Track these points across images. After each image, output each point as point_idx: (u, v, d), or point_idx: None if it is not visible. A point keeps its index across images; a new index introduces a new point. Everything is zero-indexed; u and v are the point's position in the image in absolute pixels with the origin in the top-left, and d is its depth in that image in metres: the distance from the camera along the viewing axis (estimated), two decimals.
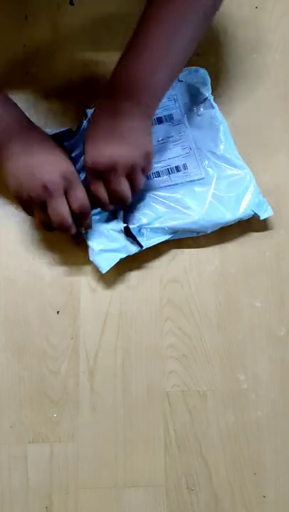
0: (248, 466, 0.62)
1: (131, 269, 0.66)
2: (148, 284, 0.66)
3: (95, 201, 0.61)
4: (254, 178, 0.66)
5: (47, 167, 0.57)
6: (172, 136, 0.68)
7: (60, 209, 0.57)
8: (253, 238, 0.68)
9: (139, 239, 0.64)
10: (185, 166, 0.67)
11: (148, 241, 0.64)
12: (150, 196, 0.66)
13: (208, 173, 0.67)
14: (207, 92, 0.69)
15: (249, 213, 0.65)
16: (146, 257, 0.66)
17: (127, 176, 0.59)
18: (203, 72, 0.70)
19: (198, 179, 0.67)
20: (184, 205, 0.65)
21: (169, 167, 0.67)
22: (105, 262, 0.63)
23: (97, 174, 0.59)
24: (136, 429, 0.62)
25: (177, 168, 0.67)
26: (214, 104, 0.69)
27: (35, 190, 0.56)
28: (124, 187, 0.59)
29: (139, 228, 0.64)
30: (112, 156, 0.57)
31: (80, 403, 0.63)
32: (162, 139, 0.68)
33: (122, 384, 0.63)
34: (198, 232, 0.66)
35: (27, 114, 0.67)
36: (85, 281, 0.66)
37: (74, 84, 0.71)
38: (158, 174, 0.67)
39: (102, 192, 0.60)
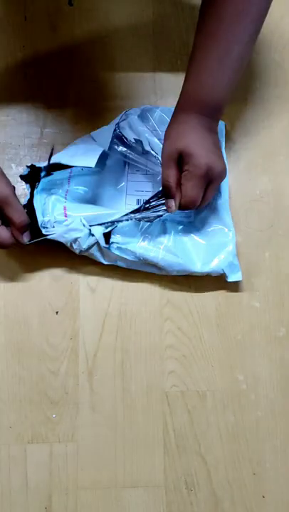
0: (248, 466, 0.62)
1: (130, 270, 0.66)
2: (147, 285, 0.66)
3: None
4: (235, 239, 0.65)
5: None
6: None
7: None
8: (253, 239, 0.68)
9: (110, 247, 0.63)
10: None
11: (114, 251, 0.63)
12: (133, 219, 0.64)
13: (196, 219, 0.66)
14: (221, 140, 0.68)
15: (218, 271, 0.64)
16: None
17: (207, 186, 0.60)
18: (221, 124, 0.69)
19: (187, 222, 0.66)
20: (164, 241, 0.64)
21: (164, 200, 0.64)
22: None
23: (205, 179, 0.59)
24: (135, 430, 0.62)
25: None
26: (225, 156, 0.67)
27: None
28: (201, 195, 0.60)
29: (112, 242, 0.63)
30: (210, 161, 0.58)
31: (80, 403, 0.63)
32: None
33: (121, 384, 0.63)
34: (160, 270, 0.65)
35: (26, 114, 0.67)
36: (84, 282, 0.66)
37: (73, 85, 0.71)
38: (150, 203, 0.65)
39: (196, 200, 0.60)
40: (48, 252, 0.66)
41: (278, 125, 0.71)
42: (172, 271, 0.64)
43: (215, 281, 0.66)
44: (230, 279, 0.64)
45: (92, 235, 0.62)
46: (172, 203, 0.60)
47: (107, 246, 0.62)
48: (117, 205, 0.67)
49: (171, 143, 0.60)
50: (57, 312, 0.65)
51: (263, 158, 0.70)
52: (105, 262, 0.64)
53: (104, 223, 0.62)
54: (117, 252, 0.63)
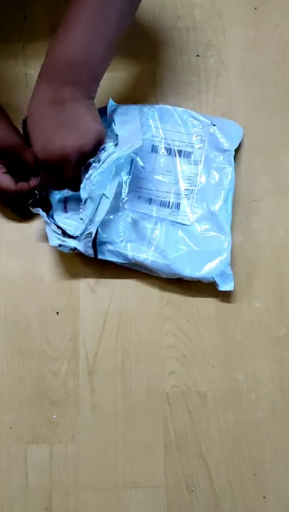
0: (248, 467, 0.62)
1: (130, 270, 0.66)
2: (148, 285, 0.66)
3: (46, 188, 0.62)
4: (230, 249, 0.64)
5: None
6: (182, 173, 0.66)
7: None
8: (253, 239, 0.68)
9: (98, 254, 0.63)
10: (177, 206, 0.65)
11: (103, 256, 0.63)
12: (127, 218, 0.64)
13: (194, 224, 0.65)
14: (232, 147, 0.67)
15: (209, 278, 0.63)
16: None
17: (78, 163, 0.56)
18: (238, 128, 0.69)
19: (184, 224, 0.65)
20: (155, 242, 0.64)
21: (162, 199, 0.65)
22: (55, 240, 0.62)
23: (49, 167, 0.56)
24: (136, 430, 0.62)
25: (169, 204, 0.65)
26: (233, 162, 0.67)
27: None
28: (75, 173, 0.57)
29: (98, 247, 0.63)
30: (64, 146, 0.54)
31: (80, 404, 0.63)
32: (169, 171, 0.66)
33: (122, 384, 0.63)
34: (151, 271, 0.64)
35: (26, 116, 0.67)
36: (84, 282, 0.66)
37: None
38: (149, 201, 0.65)
39: (55, 183, 0.60)
40: (48, 253, 0.66)
41: (278, 125, 0.71)
42: (162, 273, 0.64)
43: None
44: (222, 288, 0.63)
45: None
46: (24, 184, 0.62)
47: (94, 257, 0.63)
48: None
49: (46, 147, 0.55)
50: (57, 312, 0.65)
51: (263, 158, 0.70)
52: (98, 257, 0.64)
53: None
54: (108, 257, 0.63)
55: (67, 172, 0.57)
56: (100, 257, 0.63)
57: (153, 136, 0.67)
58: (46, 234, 0.64)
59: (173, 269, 0.63)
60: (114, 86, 0.72)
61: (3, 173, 0.62)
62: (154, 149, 0.67)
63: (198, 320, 0.65)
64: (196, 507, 0.61)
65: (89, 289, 0.65)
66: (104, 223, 0.63)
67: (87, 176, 0.58)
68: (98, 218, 0.60)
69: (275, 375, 0.64)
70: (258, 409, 0.63)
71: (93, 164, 0.57)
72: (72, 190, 0.62)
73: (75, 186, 0.59)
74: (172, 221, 0.65)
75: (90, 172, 0.58)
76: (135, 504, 0.61)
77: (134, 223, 0.64)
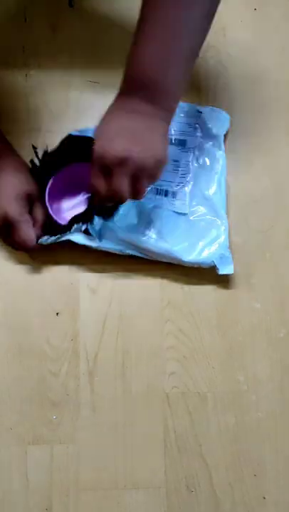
0: (249, 468, 0.62)
1: (130, 271, 0.66)
2: (148, 286, 0.66)
3: (92, 195, 0.61)
4: (228, 232, 0.65)
5: (7, 191, 0.60)
6: (177, 162, 0.67)
7: (25, 235, 0.61)
8: (253, 240, 0.68)
9: (99, 242, 0.63)
10: (174, 195, 0.66)
11: (102, 245, 0.64)
12: (127, 204, 0.64)
13: (190, 211, 0.66)
14: (221, 133, 0.68)
15: (209, 263, 0.64)
16: (146, 259, 0.66)
17: (132, 179, 0.54)
18: (225, 116, 0.69)
19: (180, 213, 0.66)
20: (153, 227, 0.65)
21: (159, 188, 0.66)
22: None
23: (103, 167, 0.54)
24: (136, 431, 0.62)
25: (166, 193, 0.66)
26: (222, 147, 0.68)
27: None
28: (125, 188, 0.54)
29: (99, 233, 0.63)
30: (124, 151, 0.52)
31: (81, 405, 0.63)
32: None
33: (122, 385, 0.63)
34: (150, 257, 0.65)
35: (26, 117, 0.67)
36: (84, 283, 0.66)
37: (73, 86, 0.71)
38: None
39: (102, 187, 0.56)
40: (48, 253, 0.66)
41: (278, 126, 0.71)
42: (162, 258, 0.64)
43: (215, 282, 0.66)
44: (222, 271, 0.64)
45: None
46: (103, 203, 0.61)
47: (96, 246, 0.63)
48: None
49: (107, 146, 0.54)
50: (57, 313, 0.65)
51: (263, 159, 0.70)
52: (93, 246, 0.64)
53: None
54: (107, 245, 0.63)
55: (117, 182, 0.54)
56: (101, 244, 0.63)
57: None
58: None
59: (172, 254, 0.64)
60: (115, 86, 0.71)
61: (29, 227, 0.62)
62: None
63: (198, 321, 0.65)
64: (196, 508, 0.61)
65: (89, 290, 0.65)
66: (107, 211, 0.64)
67: None
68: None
69: (275, 375, 0.64)
70: (258, 410, 0.63)
71: None
72: (106, 215, 0.63)
73: (117, 203, 0.60)
74: (172, 210, 0.66)
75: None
76: (135, 505, 0.61)
77: (135, 209, 0.65)
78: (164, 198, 0.66)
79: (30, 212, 0.63)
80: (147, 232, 0.65)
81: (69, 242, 0.64)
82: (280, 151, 0.71)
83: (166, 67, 0.53)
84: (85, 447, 0.62)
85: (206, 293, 0.66)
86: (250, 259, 0.67)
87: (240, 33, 0.74)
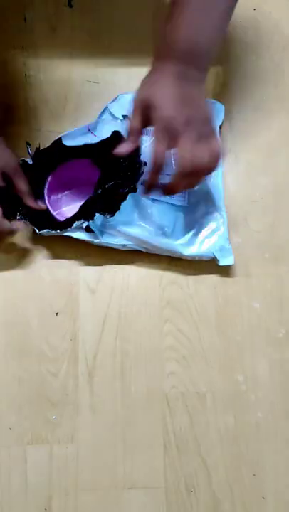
0: (248, 468, 0.62)
1: (130, 271, 0.66)
2: (147, 286, 0.66)
3: (96, 191, 0.61)
4: (226, 223, 0.65)
5: None
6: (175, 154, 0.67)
7: None
8: (252, 240, 0.68)
9: (99, 237, 0.64)
10: None
11: (103, 240, 0.64)
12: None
13: (190, 203, 0.66)
14: (217, 123, 0.68)
15: (209, 255, 0.64)
16: (145, 259, 0.66)
17: (185, 131, 0.53)
18: (220, 106, 0.70)
19: (180, 205, 0.66)
20: (153, 221, 0.65)
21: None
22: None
23: (167, 135, 0.53)
24: (135, 431, 0.62)
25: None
26: (218, 138, 0.67)
27: None
28: (203, 154, 0.53)
29: (100, 228, 0.64)
30: (189, 115, 0.52)
31: (80, 405, 0.63)
32: None
33: (121, 385, 0.63)
34: (150, 250, 0.65)
35: (26, 116, 0.67)
36: (84, 283, 0.66)
37: (73, 86, 0.71)
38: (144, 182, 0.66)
39: (162, 156, 0.54)
40: (47, 254, 0.67)
41: (278, 126, 0.72)
42: (162, 251, 0.64)
43: (214, 283, 0.66)
44: (222, 262, 0.64)
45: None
46: (122, 149, 0.57)
47: (97, 242, 0.63)
48: None
49: (140, 91, 0.55)
50: (57, 313, 0.65)
51: (262, 159, 0.70)
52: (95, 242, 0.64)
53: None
54: (108, 240, 0.63)
55: (188, 145, 0.52)
56: (102, 240, 0.63)
57: None
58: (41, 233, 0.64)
59: (173, 247, 0.64)
60: (115, 86, 0.72)
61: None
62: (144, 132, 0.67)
63: (197, 321, 0.65)
64: (195, 508, 0.61)
65: (88, 290, 0.66)
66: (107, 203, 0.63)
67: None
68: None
69: (274, 375, 0.64)
70: (257, 410, 0.63)
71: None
72: (107, 212, 0.62)
73: (197, 175, 0.56)
74: (170, 203, 0.66)
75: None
76: (135, 505, 0.61)
77: (134, 203, 0.65)
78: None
79: (8, 189, 0.62)
80: (147, 225, 0.65)
81: (70, 238, 0.65)
82: (279, 151, 0.71)
83: (206, 34, 0.55)
84: (84, 447, 0.62)
85: (205, 293, 0.66)
86: (249, 260, 0.67)
87: (240, 33, 0.74)
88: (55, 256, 0.66)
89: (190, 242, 0.65)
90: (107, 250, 0.66)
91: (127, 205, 0.64)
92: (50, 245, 0.67)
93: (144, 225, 0.65)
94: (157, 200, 0.66)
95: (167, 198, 0.66)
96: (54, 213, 0.64)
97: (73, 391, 0.63)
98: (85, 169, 0.63)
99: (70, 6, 0.75)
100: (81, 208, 0.62)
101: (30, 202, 0.63)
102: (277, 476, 0.61)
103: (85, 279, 0.66)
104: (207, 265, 0.66)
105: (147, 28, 0.74)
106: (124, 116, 0.66)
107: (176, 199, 0.66)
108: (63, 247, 0.67)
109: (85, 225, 0.63)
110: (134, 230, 0.64)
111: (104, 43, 0.73)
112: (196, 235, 0.65)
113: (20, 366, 0.64)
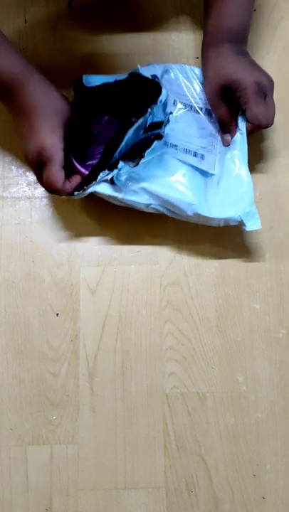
0: (248, 468, 0.62)
1: (130, 271, 0.66)
2: (147, 287, 0.66)
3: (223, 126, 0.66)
4: (252, 189, 0.65)
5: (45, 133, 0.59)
6: (204, 129, 0.68)
7: (54, 177, 0.59)
8: (253, 240, 0.68)
9: (124, 195, 0.62)
10: (202, 157, 0.67)
11: (127, 197, 0.63)
12: (156, 155, 0.65)
13: (217, 172, 0.66)
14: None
15: (236, 219, 0.63)
16: (145, 259, 0.67)
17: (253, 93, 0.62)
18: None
19: (207, 172, 0.66)
20: (181, 181, 0.64)
21: (187, 148, 0.67)
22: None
23: (258, 96, 0.62)
24: (136, 431, 0.62)
25: (194, 154, 0.67)
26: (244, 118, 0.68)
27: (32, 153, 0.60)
28: (266, 108, 0.64)
29: (124, 185, 0.63)
30: (268, 79, 0.64)
31: (80, 405, 0.63)
32: (202, 128, 0.68)
33: (121, 386, 0.63)
34: (174, 213, 0.64)
35: None
36: (84, 284, 0.66)
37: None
38: (175, 146, 0.66)
39: (264, 114, 0.63)
40: (47, 254, 0.67)
41: (278, 127, 0.72)
42: (188, 217, 0.64)
43: (215, 283, 0.66)
44: (249, 228, 0.63)
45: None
46: (228, 137, 0.65)
47: (121, 197, 0.62)
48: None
49: (210, 81, 0.65)
50: (57, 314, 0.65)
51: (262, 160, 0.70)
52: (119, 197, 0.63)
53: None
54: (132, 197, 0.63)
55: (271, 102, 0.65)
56: (125, 196, 0.63)
57: (182, 94, 0.70)
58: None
59: (199, 210, 0.63)
60: None
61: (59, 169, 0.60)
62: (189, 107, 0.69)
63: (197, 321, 0.65)
64: (195, 508, 0.61)
65: (89, 290, 0.66)
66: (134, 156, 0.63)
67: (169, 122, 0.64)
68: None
69: (274, 376, 0.64)
70: (257, 410, 0.63)
71: (169, 117, 0.64)
72: (132, 160, 0.62)
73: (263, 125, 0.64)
74: (199, 170, 0.66)
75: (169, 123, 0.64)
76: (135, 505, 0.61)
77: (162, 162, 0.65)
78: (192, 157, 0.66)
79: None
80: (175, 185, 0.64)
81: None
82: (279, 152, 0.71)
83: (246, 18, 0.67)
84: (84, 447, 0.62)
85: (206, 293, 0.66)
86: (249, 260, 0.67)
87: None
88: (55, 257, 0.67)
89: (217, 206, 0.64)
90: (108, 250, 0.66)
91: (153, 162, 0.64)
92: (50, 246, 0.67)
93: (170, 184, 0.64)
94: (187, 163, 0.66)
95: (196, 162, 0.66)
96: (78, 166, 0.62)
97: (74, 391, 0.63)
98: (109, 124, 0.65)
99: (71, 6, 0.75)
100: (104, 151, 0.61)
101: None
102: (277, 476, 0.62)
103: (86, 279, 0.66)
104: (207, 266, 0.66)
105: (148, 28, 0.74)
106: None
107: (205, 165, 0.66)
108: (63, 248, 0.67)
109: (110, 176, 0.61)
110: (159, 189, 0.63)
111: (104, 44, 0.73)
112: (223, 199, 0.64)
113: (20, 367, 0.64)
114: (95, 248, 0.67)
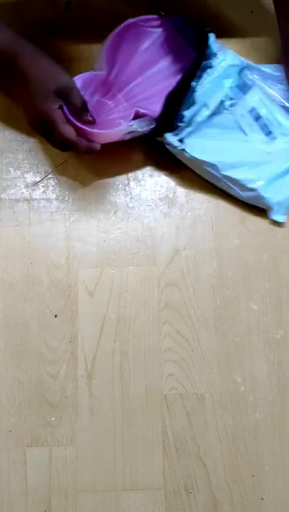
0: (247, 469, 0.62)
1: (128, 273, 0.66)
2: (146, 288, 0.66)
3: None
4: None
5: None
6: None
7: (64, 132, 0.61)
8: (251, 241, 0.68)
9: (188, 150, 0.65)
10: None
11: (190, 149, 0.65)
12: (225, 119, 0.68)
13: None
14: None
15: (268, 203, 0.66)
16: (143, 261, 0.67)
17: None
18: (211, 36, 0.70)
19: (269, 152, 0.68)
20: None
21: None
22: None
23: None
24: (134, 432, 0.62)
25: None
26: None
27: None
28: None
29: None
30: None
31: (79, 407, 0.63)
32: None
33: (120, 387, 0.63)
34: (224, 186, 0.67)
35: (24, 119, 0.67)
36: (82, 285, 0.66)
37: None
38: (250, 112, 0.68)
39: None
40: (46, 255, 0.67)
41: None
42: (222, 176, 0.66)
43: (213, 284, 0.66)
44: (273, 216, 0.67)
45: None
46: None
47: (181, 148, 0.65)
48: None
49: None
50: (56, 315, 0.65)
51: None
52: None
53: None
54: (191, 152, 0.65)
55: None
56: (186, 148, 0.65)
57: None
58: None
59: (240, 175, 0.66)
60: None
61: (64, 122, 0.62)
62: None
63: (195, 322, 0.65)
64: (194, 509, 0.61)
65: (87, 292, 0.66)
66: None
67: (201, 80, 0.65)
68: (194, 124, 0.66)
69: (272, 376, 0.64)
70: (256, 411, 0.63)
71: (207, 70, 0.65)
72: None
73: None
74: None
75: (205, 77, 0.65)
76: (134, 506, 0.61)
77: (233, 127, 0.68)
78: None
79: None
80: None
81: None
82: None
83: None
84: (83, 449, 0.62)
85: (204, 294, 0.66)
86: (248, 261, 0.67)
87: (238, 36, 0.74)
88: (54, 258, 0.67)
89: (272, 186, 0.66)
90: (105, 251, 0.66)
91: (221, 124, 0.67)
92: (50, 247, 0.67)
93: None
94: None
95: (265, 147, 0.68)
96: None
97: (72, 393, 0.63)
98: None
99: (69, 9, 0.75)
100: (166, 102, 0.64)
101: (87, 117, 0.64)
102: (276, 477, 0.62)
103: (84, 281, 0.66)
104: (205, 267, 0.66)
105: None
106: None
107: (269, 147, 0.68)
108: (62, 248, 0.67)
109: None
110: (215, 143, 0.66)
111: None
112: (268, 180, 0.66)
113: (19, 368, 0.64)
114: (92, 250, 0.67)
